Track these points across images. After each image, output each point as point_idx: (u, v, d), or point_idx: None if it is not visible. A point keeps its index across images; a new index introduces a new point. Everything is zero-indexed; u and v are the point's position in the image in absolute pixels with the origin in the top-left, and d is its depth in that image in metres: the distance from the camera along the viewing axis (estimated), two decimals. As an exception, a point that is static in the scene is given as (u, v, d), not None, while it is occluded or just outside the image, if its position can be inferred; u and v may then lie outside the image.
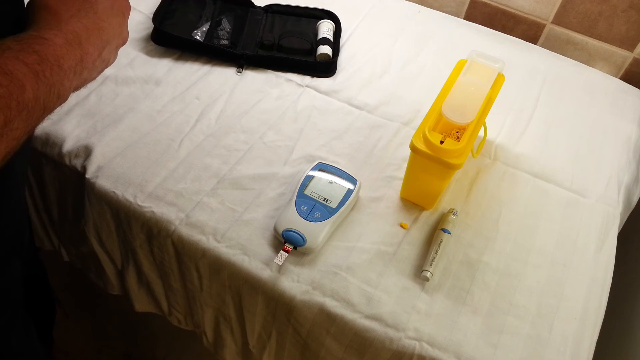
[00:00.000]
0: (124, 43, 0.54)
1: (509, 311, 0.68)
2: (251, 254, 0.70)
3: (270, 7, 1.02)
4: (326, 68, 0.94)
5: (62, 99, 0.44)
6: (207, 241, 0.70)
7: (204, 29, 0.96)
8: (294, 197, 0.72)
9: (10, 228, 0.64)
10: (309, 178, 0.74)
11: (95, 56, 0.48)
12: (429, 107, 0.72)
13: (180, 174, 0.77)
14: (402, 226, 0.74)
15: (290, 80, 0.92)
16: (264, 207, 0.74)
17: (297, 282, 0.68)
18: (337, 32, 1.00)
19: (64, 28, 0.44)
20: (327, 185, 0.73)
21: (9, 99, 0.37)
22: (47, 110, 0.42)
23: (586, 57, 1.07)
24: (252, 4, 1.02)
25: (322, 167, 0.76)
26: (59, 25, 0.44)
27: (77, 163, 0.76)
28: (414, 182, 0.75)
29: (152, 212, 0.72)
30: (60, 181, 0.81)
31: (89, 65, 0.47)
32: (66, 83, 0.44)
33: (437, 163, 0.67)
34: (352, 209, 0.75)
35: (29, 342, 0.76)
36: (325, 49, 0.95)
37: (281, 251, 0.68)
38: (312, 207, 0.71)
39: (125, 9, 0.53)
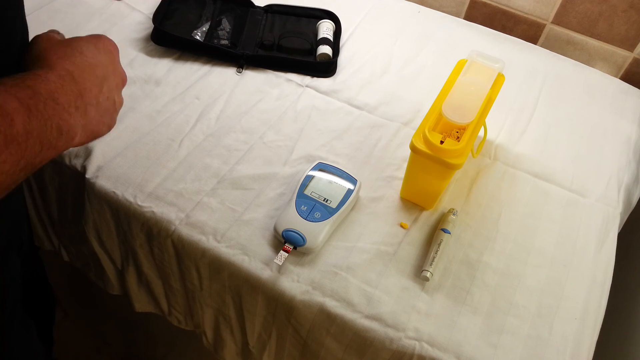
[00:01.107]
0: (123, 82, 0.54)
1: (509, 311, 0.68)
2: (251, 254, 0.70)
3: (270, 7, 1.02)
4: (326, 68, 0.94)
5: (66, 135, 0.44)
6: (207, 241, 0.70)
7: (204, 29, 0.96)
8: (294, 197, 0.72)
9: (7, 226, 0.64)
10: (309, 178, 0.74)
11: (96, 92, 0.48)
12: (429, 107, 0.72)
13: (180, 174, 0.77)
14: (402, 226, 0.74)
15: (290, 80, 0.92)
16: (264, 207, 0.74)
17: (297, 282, 0.68)
18: (337, 32, 1.00)
19: (55, 67, 0.45)
20: (327, 185, 0.73)
21: None
22: (47, 146, 0.42)
23: (586, 57, 1.07)
24: (252, 4, 1.02)
25: (322, 167, 0.76)
26: (50, 66, 0.46)
27: (77, 163, 0.77)
28: (414, 182, 0.75)
29: (152, 212, 0.72)
30: (60, 181, 0.81)
31: (92, 101, 0.48)
32: (66, 117, 0.44)
33: (437, 163, 0.67)
34: (352, 209, 0.75)
35: (28, 340, 0.76)
36: (325, 49, 0.95)
37: (281, 251, 0.68)
38: (312, 207, 0.71)
39: (111, 46, 0.53)
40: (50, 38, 0.50)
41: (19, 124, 0.39)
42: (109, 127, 0.52)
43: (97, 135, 0.50)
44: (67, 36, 0.52)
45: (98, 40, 0.52)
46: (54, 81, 0.44)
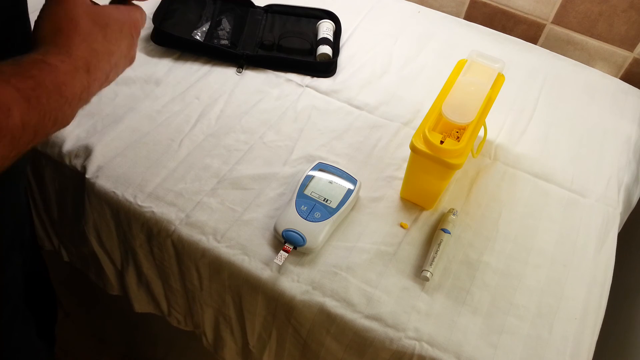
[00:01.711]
0: (130, 64, 0.53)
1: (509, 311, 0.68)
2: (251, 254, 0.70)
3: (270, 7, 1.02)
4: (326, 68, 0.94)
5: (60, 125, 0.42)
6: (207, 241, 0.70)
7: (204, 29, 0.96)
8: (294, 197, 0.72)
9: (9, 224, 0.64)
10: (309, 178, 0.74)
11: (103, 80, 0.47)
12: (429, 107, 0.72)
13: (180, 174, 0.77)
14: (402, 226, 0.74)
15: (290, 80, 0.92)
16: (264, 207, 0.74)
17: (297, 282, 0.68)
18: (337, 32, 1.00)
19: (73, 54, 0.43)
20: (327, 185, 0.73)
21: None
22: (40, 136, 0.40)
23: (586, 57, 1.07)
24: (252, 4, 1.02)
25: (322, 167, 0.76)
26: (69, 50, 0.43)
27: (77, 163, 0.77)
28: (414, 182, 0.75)
29: (152, 212, 0.72)
30: (60, 181, 0.81)
31: (95, 91, 0.47)
32: (67, 110, 0.42)
33: (437, 163, 0.67)
34: (352, 209, 0.75)
35: (28, 338, 0.77)
36: (325, 49, 0.95)
37: (281, 251, 0.68)
38: (312, 207, 0.71)
39: (135, 31, 0.51)
40: (81, 2, 0.46)
41: (17, 116, 0.37)
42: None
43: None
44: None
45: (126, 22, 0.49)
46: (65, 72, 0.41)
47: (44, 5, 0.45)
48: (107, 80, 0.48)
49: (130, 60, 0.52)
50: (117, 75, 0.51)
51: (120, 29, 0.49)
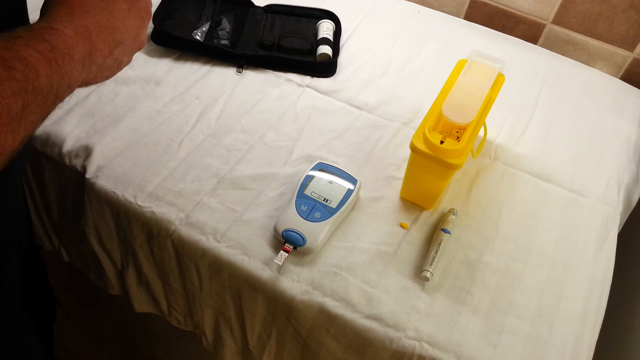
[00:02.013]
0: (140, 47, 0.54)
1: (509, 311, 0.68)
2: (251, 254, 0.70)
3: (270, 7, 1.02)
4: (326, 68, 0.94)
5: (71, 89, 0.44)
6: (207, 241, 0.70)
7: (204, 29, 0.96)
8: (294, 197, 0.72)
9: (6, 225, 0.64)
10: (309, 178, 0.74)
11: (106, 53, 0.48)
12: (429, 107, 0.72)
13: (180, 174, 0.77)
14: (402, 226, 0.74)
15: (290, 80, 0.92)
16: (264, 207, 0.74)
17: (297, 282, 0.68)
18: (337, 32, 1.00)
19: (75, 21, 0.45)
20: (327, 185, 0.73)
21: (25, 82, 0.38)
22: (59, 98, 0.43)
23: (586, 57, 1.07)
24: (252, 4, 1.02)
25: (322, 167, 0.76)
26: (70, 18, 0.45)
27: (77, 163, 0.77)
28: (414, 182, 0.75)
29: (152, 212, 0.72)
30: (60, 181, 0.81)
31: (98, 61, 0.47)
32: (75, 74, 0.44)
33: (437, 163, 0.67)
34: (352, 209, 0.75)
35: (26, 338, 0.77)
36: (325, 49, 0.95)
37: (281, 251, 0.68)
38: (312, 207, 0.71)
39: (145, 13, 0.53)
40: None
41: (44, 76, 0.39)
42: (105, 79, 0.51)
43: (89, 85, 0.50)
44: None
45: (135, 2, 0.51)
46: (70, 36, 0.44)
47: None
48: (111, 55, 0.49)
49: (140, 44, 0.53)
50: (124, 54, 0.51)
51: (128, 8, 0.50)
